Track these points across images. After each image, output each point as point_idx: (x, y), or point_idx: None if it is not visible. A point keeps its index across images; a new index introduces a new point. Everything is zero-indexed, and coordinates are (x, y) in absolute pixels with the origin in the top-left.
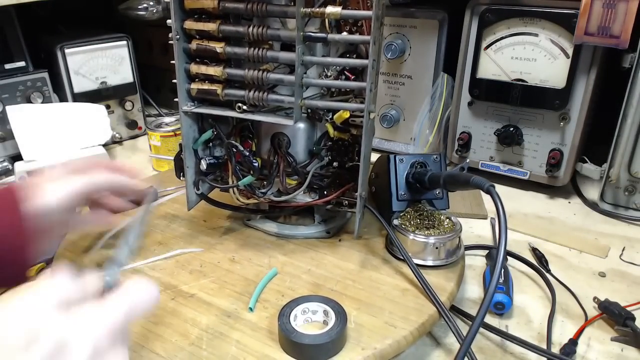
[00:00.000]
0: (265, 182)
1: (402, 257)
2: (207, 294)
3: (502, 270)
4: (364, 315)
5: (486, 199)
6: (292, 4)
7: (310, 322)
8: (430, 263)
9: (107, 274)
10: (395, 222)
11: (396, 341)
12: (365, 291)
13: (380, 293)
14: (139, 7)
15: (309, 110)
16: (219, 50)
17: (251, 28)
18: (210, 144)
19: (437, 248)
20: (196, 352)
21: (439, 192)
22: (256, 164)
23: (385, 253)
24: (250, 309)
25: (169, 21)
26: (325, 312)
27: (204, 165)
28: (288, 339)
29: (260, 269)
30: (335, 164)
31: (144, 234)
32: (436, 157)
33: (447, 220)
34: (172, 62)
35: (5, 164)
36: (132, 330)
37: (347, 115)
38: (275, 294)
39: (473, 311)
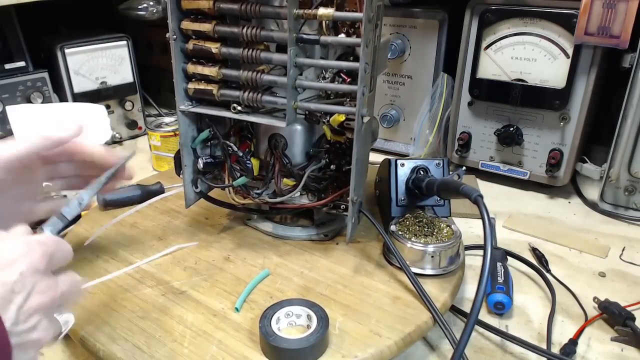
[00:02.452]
0: (265, 185)
1: (397, 265)
2: (198, 292)
3: (502, 270)
4: (349, 321)
5: (486, 199)
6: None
7: (294, 325)
8: (428, 272)
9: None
10: (393, 227)
11: (379, 351)
12: (355, 297)
13: (370, 300)
14: (139, 7)
15: (307, 112)
16: (214, 50)
17: (245, 29)
18: (209, 143)
19: (433, 257)
20: (177, 349)
21: (440, 199)
22: (250, 165)
23: (381, 259)
24: (237, 309)
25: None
26: (309, 317)
27: (200, 164)
28: (267, 342)
29: (254, 269)
30: (332, 166)
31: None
32: (439, 163)
33: (447, 227)
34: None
35: None
36: (119, 324)
37: (342, 118)
38: (263, 295)
39: None
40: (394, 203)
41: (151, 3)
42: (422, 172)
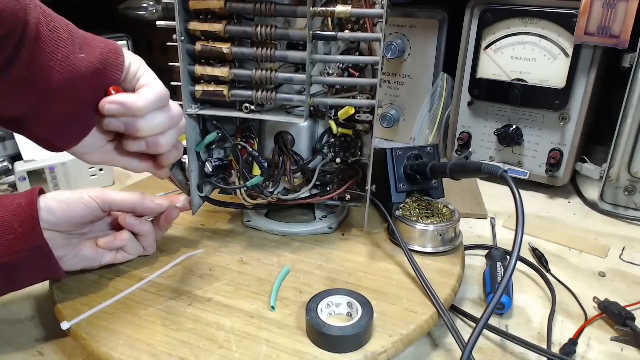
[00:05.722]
0: (267, 182)
1: (409, 248)
2: (224, 297)
3: (502, 270)
4: (383, 304)
5: (486, 198)
6: (298, 3)
7: (334, 315)
8: (442, 249)
9: None
10: (398, 213)
11: (419, 326)
12: (379, 281)
13: (394, 282)
14: (139, 7)
15: (312, 108)
16: (225, 51)
17: (260, 28)
18: (213, 146)
19: (441, 235)
20: (228, 354)
21: (435, 183)
22: (266, 164)
23: (390, 244)
24: (273, 307)
25: (158, 22)
26: (350, 304)
27: (209, 168)
28: (321, 333)
29: (272, 268)
30: (338, 160)
31: None
32: (430, 149)
33: (445, 208)
34: (171, 64)
35: (5, 164)
36: (155, 340)
37: (352, 111)
38: (292, 291)
39: (473, 311)
40: (394, 190)
41: (151, 3)
42: (416, 159)
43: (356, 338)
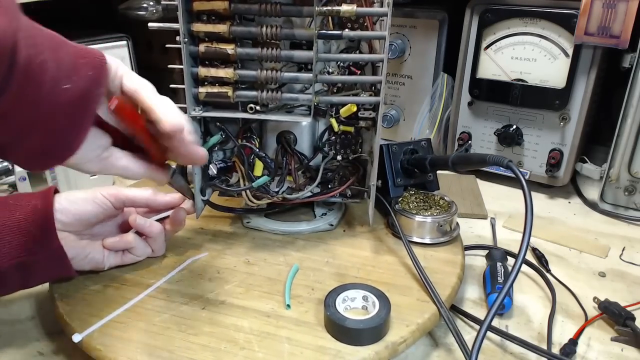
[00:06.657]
0: (270, 182)
1: (411, 240)
2: (237, 299)
3: (502, 270)
4: (395, 296)
5: (486, 198)
6: (302, 3)
7: (349, 309)
8: (442, 239)
9: None
10: (397, 206)
11: (433, 314)
12: (387, 274)
13: (402, 274)
14: (139, 7)
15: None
16: (230, 52)
17: (264, 28)
18: (216, 147)
19: (441, 226)
20: (251, 355)
21: (430, 176)
22: (272, 164)
23: (392, 238)
24: (289, 306)
25: (150, 24)
26: (365, 298)
27: (213, 170)
28: (342, 327)
29: (279, 267)
30: (339, 157)
31: None
32: (424, 143)
33: (442, 200)
34: (171, 66)
35: (5, 164)
36: (174, 345)
37: (354, 108)
38: (304, 288)
39: (473, 311)
40: (392, 184)
41: (151, 3)
42: (412, 153)
43: (376, 330)
